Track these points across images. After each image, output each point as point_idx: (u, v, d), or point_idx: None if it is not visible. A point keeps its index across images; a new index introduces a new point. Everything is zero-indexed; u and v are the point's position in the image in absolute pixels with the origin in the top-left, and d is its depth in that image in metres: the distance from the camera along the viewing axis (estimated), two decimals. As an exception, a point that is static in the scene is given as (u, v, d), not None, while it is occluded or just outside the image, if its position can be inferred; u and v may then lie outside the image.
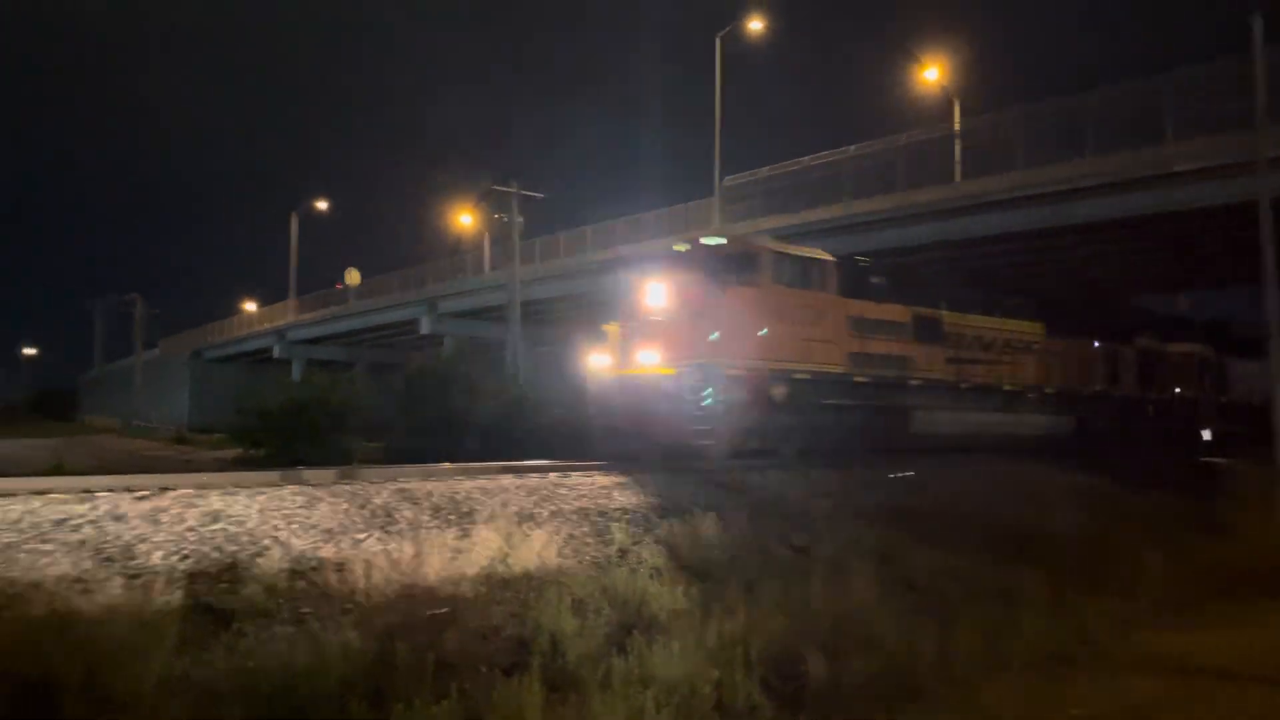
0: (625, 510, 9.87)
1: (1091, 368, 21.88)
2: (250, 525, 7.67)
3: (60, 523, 7.11)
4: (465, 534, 8.41)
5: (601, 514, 9.60)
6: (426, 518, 8.73)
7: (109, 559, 6.65)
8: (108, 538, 6.96)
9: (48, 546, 6.66)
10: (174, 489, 8.37)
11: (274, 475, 9.77)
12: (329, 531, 7.91)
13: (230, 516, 7.77)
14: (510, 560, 7.95)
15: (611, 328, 15.21)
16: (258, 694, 4.87)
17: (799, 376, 14.79)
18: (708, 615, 6.96)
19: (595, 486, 10.66)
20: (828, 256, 15.91)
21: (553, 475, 11.07)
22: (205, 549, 7.06)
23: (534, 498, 9.88)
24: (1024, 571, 9.41)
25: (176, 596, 6.18)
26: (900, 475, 14.50)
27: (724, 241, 15.64)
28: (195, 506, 7.88)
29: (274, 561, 7.01)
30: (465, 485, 10.03)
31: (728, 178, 29.57)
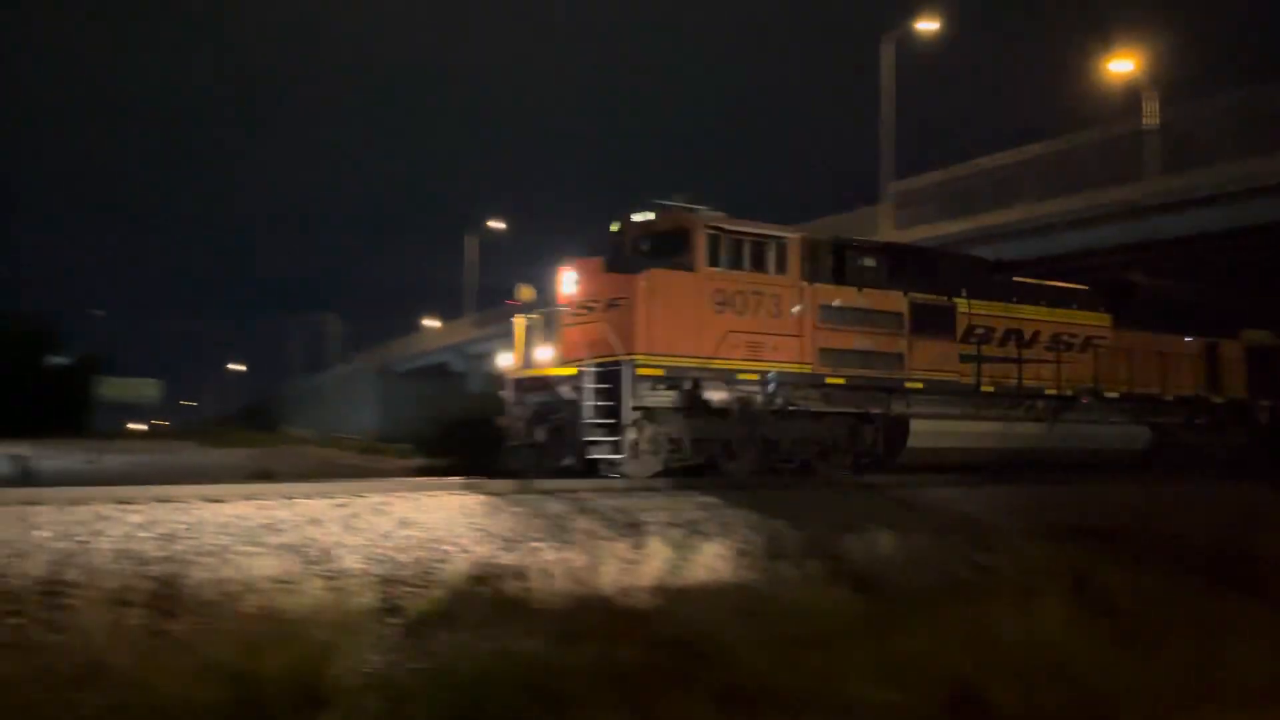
0: (797, 523, 9.76)
1: (1178, 368, 17.64)
2: (436, 532, 8.03)
3: (266, 526, 7.67)
4: (637, 545, 8.52)
5: (772, 527, 9.52)
6: (600, 528, 8.90)
7: (310, 561, 7.11)
8: (308, 541, 7.44)
9: (255, 549, 7.19)
10: (366, 496, 8.88)
11: (457, 483, 10.20)
12: (509, 539, 8.18)
13: (417, 523, 8.17)
14: (681, 571, 7.99)
15: (520, 320, 13.31)
16: (444, 694, 5.08)
17: (745, 377, 12.60)
18: (885, 633, 6.77)
19: (768, 499, 10.59)
20: (790, 234, 13.50)
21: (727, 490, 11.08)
22: (395, 553, 7.44)
23: (704, 511, 9.91)
24: (1231, 596, 8.68)
25: (370, 598, 6.54)
26: (1076, 490, 13.62)
27: (652, 217, 13.28)
28: (385, 513, 8.33)
29: (458, 567, 7.32)
30: (635, 498, 10.18)
31: (897, 182, 28.83)
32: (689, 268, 12.54)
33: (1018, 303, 15.85)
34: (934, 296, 14.67)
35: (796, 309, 13.10)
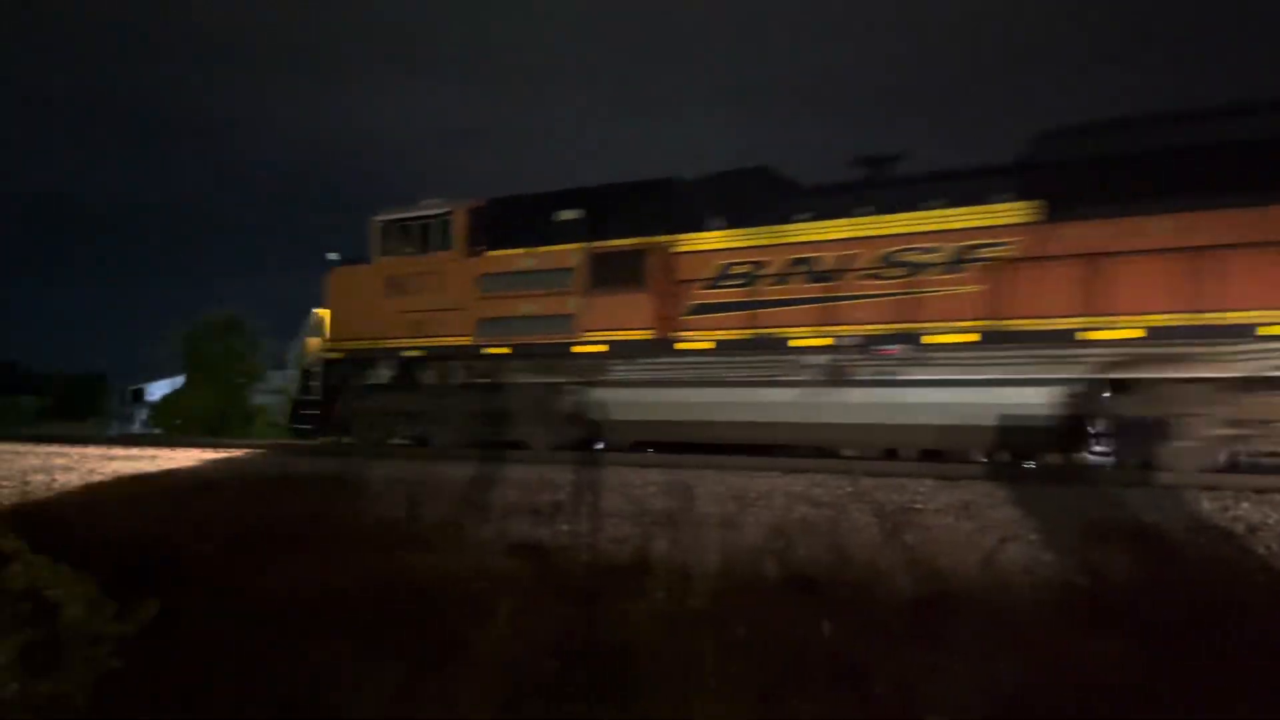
0: None
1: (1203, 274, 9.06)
2: None
3: None
4: None
5: None
6: None
7: None
8: None
9: None
10: None
11: None
12: None
13: None
14: None
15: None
16: None
17: (409, 354, 13.68)
18: None
19: None
20: (453, 207, 13.65)
21: None
22: None
23: None
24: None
25: None
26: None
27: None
28: None
29: None
30: None
31: None
32: (368, 259, 14.27)
33: (817, 219, 11.26)
34: (630, 241, 12.19)
35: (451, 280, 13.39)
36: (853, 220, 11.10)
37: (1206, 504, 7.10)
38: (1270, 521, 6.65)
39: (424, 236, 13.73)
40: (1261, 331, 8.84)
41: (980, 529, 7.00)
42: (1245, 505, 7.03)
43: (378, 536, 7.53)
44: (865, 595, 5.37)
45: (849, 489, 8.24)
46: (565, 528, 7.97)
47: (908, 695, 4.08)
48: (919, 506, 7.63)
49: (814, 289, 11.09)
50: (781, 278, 11.26)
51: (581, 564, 6.77)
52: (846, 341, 10.84)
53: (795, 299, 11.17)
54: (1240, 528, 6.60)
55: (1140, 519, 6.96)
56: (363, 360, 14.11)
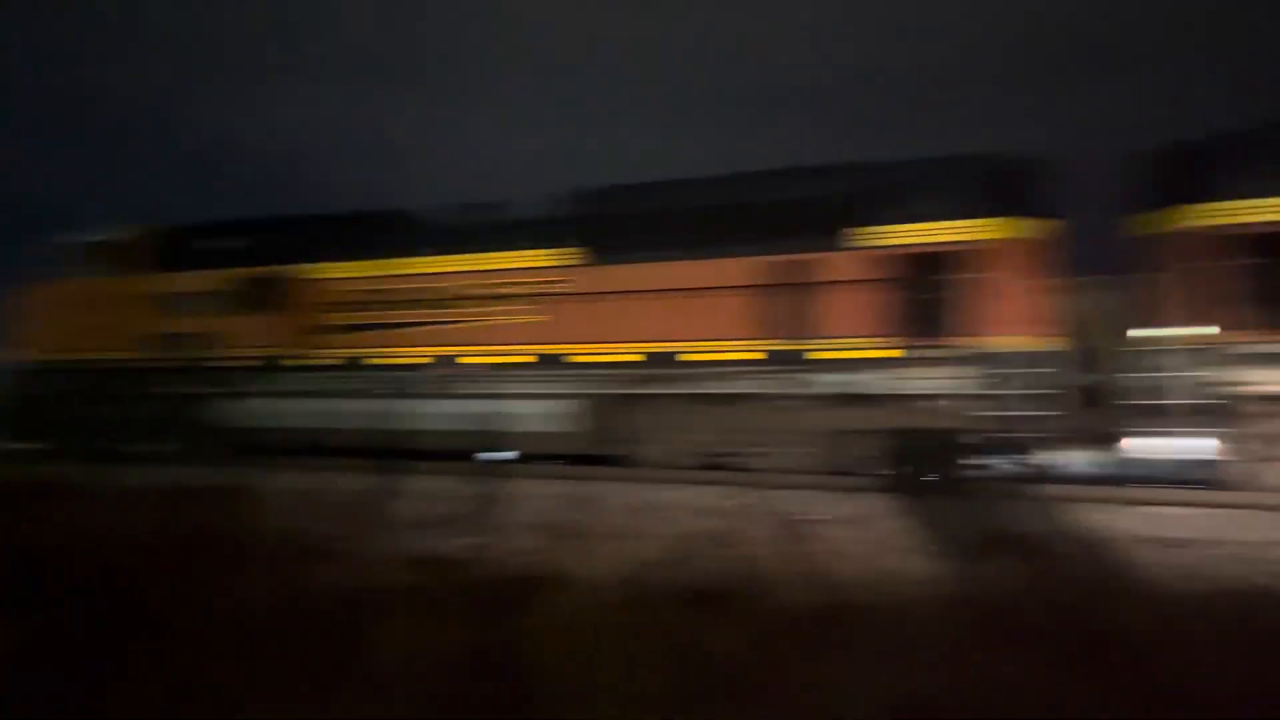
0: None
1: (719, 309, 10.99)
2: None
3: None
4: None
5: None
6: None
7: None
8: None
9: None
10: None
11: None
12: None
13: None
14: None
15: None
16: None
17: (96, 366, 14.51)
18: None
19: None
20: (125, 234, 14.74)
21: None
22: None
23: None
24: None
25: None
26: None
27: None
28: None
29: None
30: None
31: None
32: (55, 280, 14.79)
33: (428, 255, 12.93)
34: (275, 269, 13.53)
35: (122, 300, 14.37)
36: (453, 257, 12.79)
37: (1094, 515, 7.44)
38: (1144, 532, 7.03)
39: (110, 258, 14.77)
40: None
41: (876, 539, 7.19)
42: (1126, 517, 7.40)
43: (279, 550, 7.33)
44: (765, 605, 5.46)
45: (754, 500, 8.37)
46: (468, 540, 7.88)
47: (804, 704, 4.17)
48: (819, 518, 7.80)
49: (416, 315, 12.81)
50: (393, 305, 12.92)
51: (484, 577, 6.70)
52: (438, 361, 12.61)
53: (401, 323, 12.92)
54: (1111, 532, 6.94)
55: (1028, 529, 7.26)
56: (59, 371, 14.96)
